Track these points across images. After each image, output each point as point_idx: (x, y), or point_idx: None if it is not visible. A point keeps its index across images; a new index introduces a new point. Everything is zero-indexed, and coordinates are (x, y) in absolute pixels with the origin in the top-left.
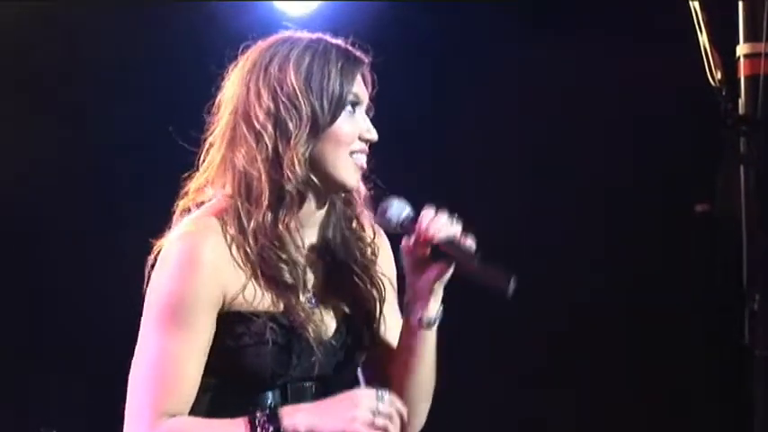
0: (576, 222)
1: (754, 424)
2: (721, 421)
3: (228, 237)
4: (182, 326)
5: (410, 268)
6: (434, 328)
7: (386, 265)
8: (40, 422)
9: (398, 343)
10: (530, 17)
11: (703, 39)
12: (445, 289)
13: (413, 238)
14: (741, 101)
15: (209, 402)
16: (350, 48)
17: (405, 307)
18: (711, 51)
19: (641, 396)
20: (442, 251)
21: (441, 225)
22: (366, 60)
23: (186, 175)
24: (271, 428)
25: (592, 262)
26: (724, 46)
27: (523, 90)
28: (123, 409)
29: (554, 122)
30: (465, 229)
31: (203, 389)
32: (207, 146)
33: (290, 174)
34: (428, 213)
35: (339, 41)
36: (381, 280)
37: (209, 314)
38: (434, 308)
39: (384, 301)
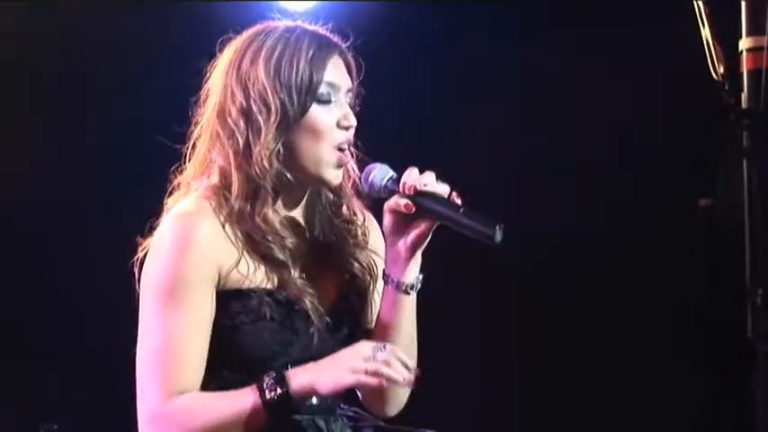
0: (577, 220)
1: (757, 419)
2: (724, 416)
3: (221, 216)
4: (181, 303)
5: (391, 229)
6: (413, 297)
7: (377, 248)
8: (40, 420)
9: (378, 313)
10: (530, 15)
11: (706, 33)
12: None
13: (396, 196)
14: (744, 95)
15: (213, 389)
16: (324, 33)
17: (384, 275)
18: (714, 45)
19: (644, 391)
20: (425, 207)
21: (426, 179)
22: (341, 45)
23: (174, 168)
24: (279, 390)
25: (593, 258)
26: (727, 40)
27: (524, 88)
28: (124, 407)
29: (554, 119)
30: (451, 189)
31: (205, 380)
32: (192, 141)
33: (258, 169)
34: (413, 170)
35: (316, 27)
36: (374, 260)
37: (208, 289)
38: (413, 273)
39: (377, 278)
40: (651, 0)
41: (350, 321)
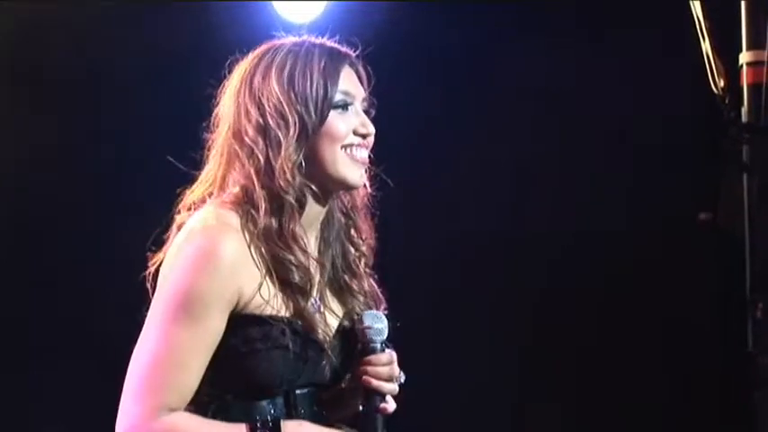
0: (576, 227)
1: (758, 431)
2: (725, 428)
3: (247, 233)
4: (193, 319)
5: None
6: None
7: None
8: (42, 421)
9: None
10: (534, 20)
11: (706, 47)
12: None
13: (358, 368)
14: (744, 109)
15: (213, 410)
16: (333, 45)
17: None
18: (714, 59)
19: (645, 403)
20: (364, 398)
21: (379, 376)
22: (351, 54)
23: (180, 190)
24: None
25: (593, 269)
26: (727, 54)
27: (526, 94)
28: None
29: (553, 126)
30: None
31: (207, 398)
32: (206, 164)
33: (282, 183)
34: (387, 356)
35: (323, 40)
36: (376, 293)
37: (223, 312)
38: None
39: (380, 305)
40: (651, 12)
41: (349, 351)
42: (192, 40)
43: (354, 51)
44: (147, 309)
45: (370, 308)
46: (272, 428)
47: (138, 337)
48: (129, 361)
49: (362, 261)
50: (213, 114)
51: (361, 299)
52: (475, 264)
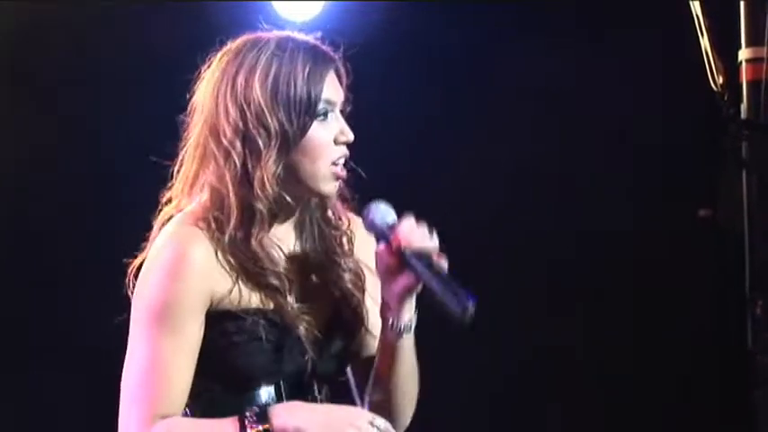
0: (576, 226)
1: (758, 430)
2: (725, 428)
3: (213, 242)
4: (171, 330)
5: (381, 274)
6: (409, 337)
7: (363, 252)
8: (40, 422)
9: (378, 346)
10: (534, 19)
11: (705, 43)
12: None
13: (385, 244)
14: (743, 106)
15: (204, 403)
16: (318, 46)
17: (381, 311)
18: (713, 56)
19: (644, 402)
20: (408, 265)
21: (417, 235)
22: (335, 59)
23: (168, 186)
24: (260, 427)
25: (593, 268)
26: (726, 50)
27: (526, 94)
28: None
29: (553, 126)
30: (441, 248)
31: (197, 390)
32: (180, 156)
33: (259, 192)
34: (408, 222)
35: (307, 39)
36: (361, 269)
37: (198, 316)
38: (406, 316)
39: (364, 288)
40: (650, 9)
41: (343, 336)
42: (191, 40)
43: (337, 50)
44: (127, 315)
45: (358, 287)
46: (260, 415)
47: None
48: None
49: (344, 239)
50: (190, 102)
51: (347, 276)
52: (475, 264)
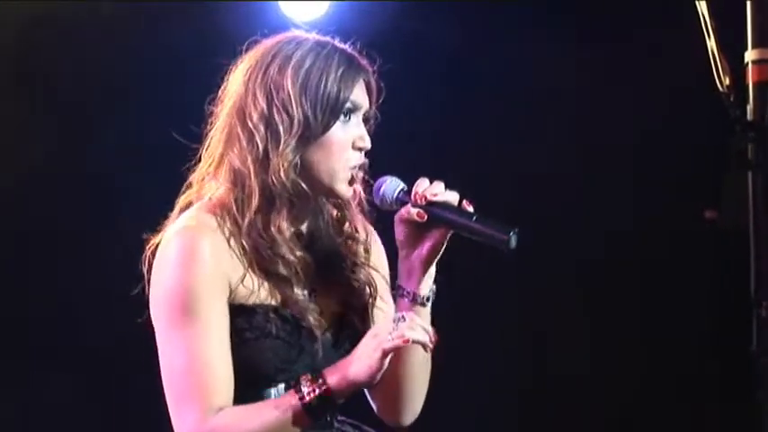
0: (580, 228)
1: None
2: (728, 429)
3: (226, 230)
4: (197, 317)
5: (405, 241)
6: (428, 308)
7: (379, 265)
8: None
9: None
10: (540, 19)
11: (711, 44)
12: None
13: (408, 205)
14: (749, 107)
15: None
16: (355, 54)
17: (396, 288)
18: (719, 57)
19: (648, 403)
20: (437, 215)
21: (437, 188)
22: (369, 69)
23: (187, 167)
24: (317, 392)
25: (595, 269)
26: (732, 52)
27: (526, 93)
28: (127, 407)
29: (559, 126)
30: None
31: None
32: (207, 139)
33: (275, 178)
34: (424, 180)
35: (346, 47)
36: (373, 277)
37: (220, 303)
38: (428, 284)
39: (375, 296)
40: (656, 9)
41: (350, 337)
42: (199, 40)
43: (373, 65)
44: (146, 306)
45: (369, 296)
46: (315, 380)
47: (137, 338)
48: (128, 362)
49: (358, 251)
50: (221, 89)
51: (358, 287)
52: (474, 263)
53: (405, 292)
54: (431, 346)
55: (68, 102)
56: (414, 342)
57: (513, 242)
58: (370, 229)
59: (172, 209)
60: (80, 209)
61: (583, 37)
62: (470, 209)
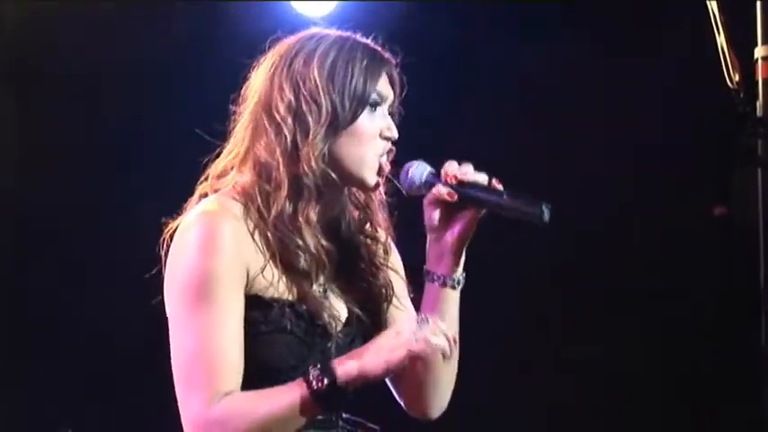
0: (587, 225)
1: None
2: (737, 427)
3: (250, 219)
4: (212, 301)
5: (435, 223)
6: (458, 293)
7: (396, 269)
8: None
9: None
10: (546, 19)
11: (721, 40)
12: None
13: (439, 186)
14: (759, 103)
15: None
16: (378, 47)
17: (425, 273)
18: (729, 53)
19: (656, 400)
20: (468, 195)
21: (467, 169)
22: (392, 61)
23: (206, 160)
24: (326, 381)
25: (605, 267)
26: (742, 48)
27: (526, 93)
28: (133, 406)
29: (567, 124)
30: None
31: None
32: (231, 136)
33: (306, 168)
34: (452, 162)
35: (368, 41)
36: (391, 279)
37: (237, 288)
38: (459, 268)
39: (392, 299)
40: (665, 6)
41: (364, 337)
42: (210, 39)
43: (396, 58)
44: (160, 292)
45: (385, 298)
46: (323, 369)
47: (137, 338)
48: (131, 360)
49: (379, 252)
50: (243, 88)
51: (375, 287)
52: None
53: (435, 277)
54: (449, 355)
55: (67, 101)
56: (436, 349)
57: (547, 216)
58: (390, 233)
59: (173, 210)
60: (80, 209)
61: (591, 35)
62: (500, 187)
